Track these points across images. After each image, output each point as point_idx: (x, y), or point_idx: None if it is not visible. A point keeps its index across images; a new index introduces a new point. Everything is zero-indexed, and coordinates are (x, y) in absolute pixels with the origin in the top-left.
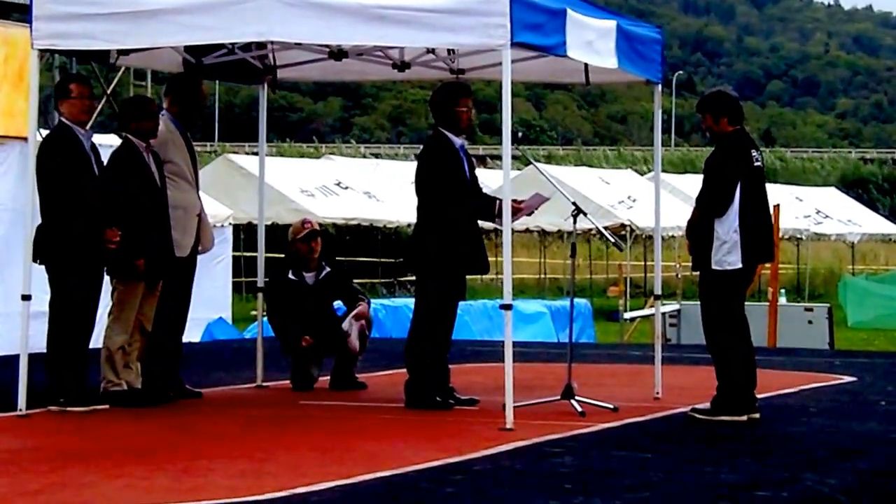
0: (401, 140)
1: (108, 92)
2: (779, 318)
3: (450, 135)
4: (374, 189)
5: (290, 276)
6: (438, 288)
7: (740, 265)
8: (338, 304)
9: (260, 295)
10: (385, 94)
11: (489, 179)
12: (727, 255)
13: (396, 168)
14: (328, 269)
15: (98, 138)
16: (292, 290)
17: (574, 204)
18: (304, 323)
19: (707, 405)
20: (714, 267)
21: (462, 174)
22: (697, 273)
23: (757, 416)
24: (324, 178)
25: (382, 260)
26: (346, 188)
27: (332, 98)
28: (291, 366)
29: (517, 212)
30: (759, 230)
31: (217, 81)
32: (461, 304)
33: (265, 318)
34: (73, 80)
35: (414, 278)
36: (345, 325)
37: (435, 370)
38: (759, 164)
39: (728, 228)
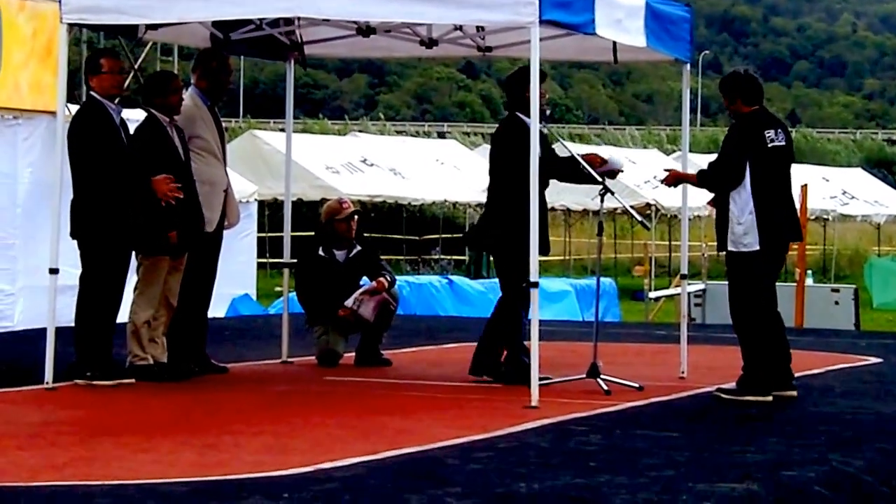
0: (426, 118)
1: (136, 67)
2: (805, 299)
3: (523, 117)
4: (400, 166)
5: (321, 252)
6: (515, 267)
7: (757, 247)
8: (364, 280)
9: (286, 271)
10: (410, 71)
11: None
12: (743, 236)
13: (422, 145)
14: (359, 247)
15: (127, 113)
16: (322, 266)
17: (602, 183)
18: (332, 300)
19: (733, 385)
20: (730, 248)
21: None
22: (723, 253)
23: (794, 393)
24: (349, 155)
25: (407, 237)
26: (372, 165)
27: (358, 75)
28: (317, 342)
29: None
30: (779, 211)
31: (242, 58)
32: (486, 282)
33: (291, 294)
34: (104, 55)
35: (437, 256)
36: (348, 303)
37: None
38: (775, 144)
39: (743, 210)
